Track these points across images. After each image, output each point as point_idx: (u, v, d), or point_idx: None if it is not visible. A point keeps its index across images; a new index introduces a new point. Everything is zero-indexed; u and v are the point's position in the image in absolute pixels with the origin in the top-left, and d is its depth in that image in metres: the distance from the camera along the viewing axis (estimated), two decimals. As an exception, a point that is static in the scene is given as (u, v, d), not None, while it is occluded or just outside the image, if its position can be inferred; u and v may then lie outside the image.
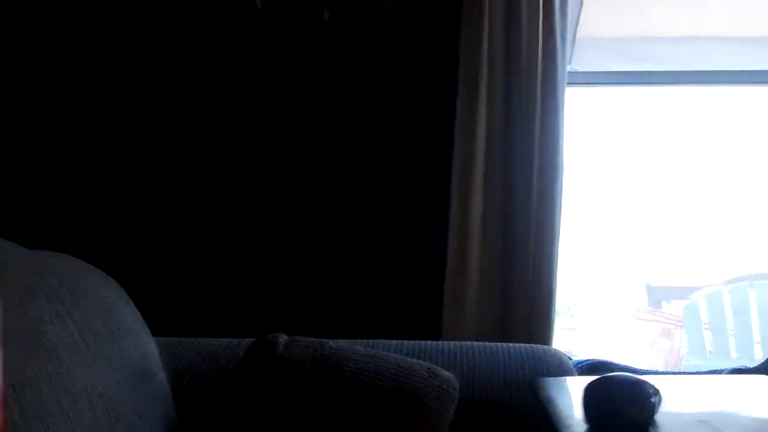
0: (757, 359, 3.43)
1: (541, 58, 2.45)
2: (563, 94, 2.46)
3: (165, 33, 2.63)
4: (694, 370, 3.42)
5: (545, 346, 2.05)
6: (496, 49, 2.47)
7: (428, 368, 1.78)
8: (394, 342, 1.94)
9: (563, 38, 2.48)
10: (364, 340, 1.94)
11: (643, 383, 1.27)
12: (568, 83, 2.50)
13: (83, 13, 2.61)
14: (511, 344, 1.99)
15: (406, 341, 1.95)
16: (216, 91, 2.64)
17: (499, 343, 1.99)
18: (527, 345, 2.01)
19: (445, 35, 2.59)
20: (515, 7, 2.48)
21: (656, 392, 1.27)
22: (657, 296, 5.33)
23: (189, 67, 2.64)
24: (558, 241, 2.45)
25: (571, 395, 1.42)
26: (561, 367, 1.86)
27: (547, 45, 2.45)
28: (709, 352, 4.70)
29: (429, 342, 1.96)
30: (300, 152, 2.66)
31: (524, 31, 2.47)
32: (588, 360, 2.43)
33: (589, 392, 1.27)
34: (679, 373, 2.81)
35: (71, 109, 2.59)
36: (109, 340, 1.49)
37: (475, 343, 1.98)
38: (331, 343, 1.83)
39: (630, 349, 4.74)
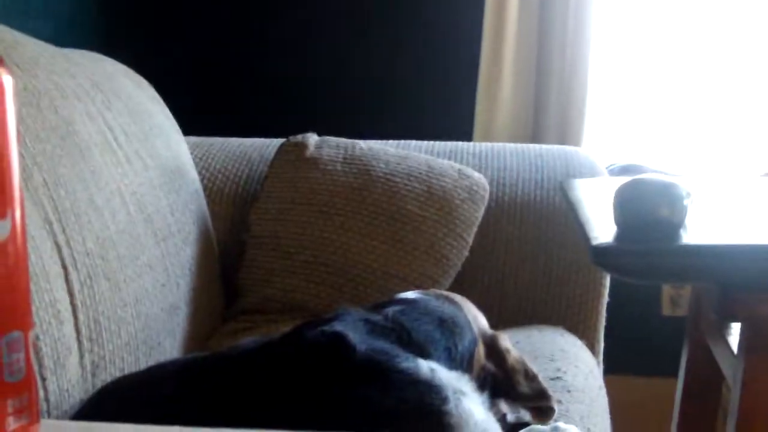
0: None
1: None
2: None
3: None
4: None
5: (577, 148, 2.04)
6: None
7: (459, 169, 1.79)
8: (424, 143, 1.94)
9: None
10: (395, 141, 1.94)
11: (676, 185, 1.25)
12: None
13: None
14: (542, 145, 1.99)
15: (437, 142, 1.95)
16: None
17: (530, 145, 1.99)
18: (559, 146, 2.00)
19: None
20: None
21: (689, 194, 1.26)
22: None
23: None
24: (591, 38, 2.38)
25: (601, 197, 1.42)
26: (593, 168, 1.86)
27: None
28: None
29: (460, 143, 1.95)
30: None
31: None
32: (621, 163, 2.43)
33: (619, 193, 1.26)
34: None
35: None
36: (140, 140, 1.49)
37: (506, 144, 1.98)
38: (362, 143, 1.83)
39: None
